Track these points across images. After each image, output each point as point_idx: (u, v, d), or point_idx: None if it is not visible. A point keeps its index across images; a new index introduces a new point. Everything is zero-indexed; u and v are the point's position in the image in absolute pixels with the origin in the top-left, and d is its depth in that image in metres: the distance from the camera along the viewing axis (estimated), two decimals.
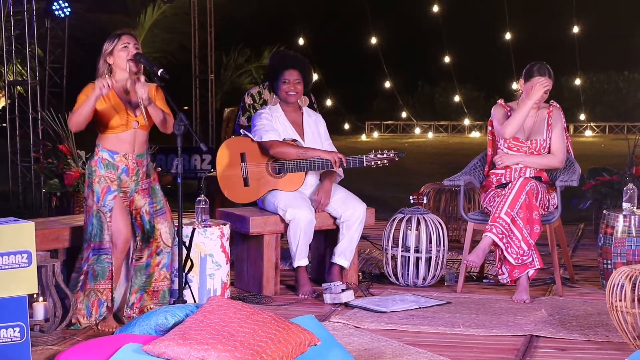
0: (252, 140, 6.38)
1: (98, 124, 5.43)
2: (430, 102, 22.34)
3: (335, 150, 6.46)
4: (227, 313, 4.48)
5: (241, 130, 6.68)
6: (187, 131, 5.29)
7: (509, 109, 6.38)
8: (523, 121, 6.24)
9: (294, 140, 6.39)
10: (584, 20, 17.96)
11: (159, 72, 5.35)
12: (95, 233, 5.42)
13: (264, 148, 6.34)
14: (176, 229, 5.49)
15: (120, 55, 5.40)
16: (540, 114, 6.33)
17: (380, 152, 6.37)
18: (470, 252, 6.12)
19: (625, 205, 6.30)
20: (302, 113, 6.55)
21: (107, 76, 5.35)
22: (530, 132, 6.32)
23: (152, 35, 12.77)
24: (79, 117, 5.32)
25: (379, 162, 6.35)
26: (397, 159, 6.39)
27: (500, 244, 6.01)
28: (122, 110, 5.40)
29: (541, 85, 6.19)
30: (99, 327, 5.42)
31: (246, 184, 6.37)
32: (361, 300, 5.99)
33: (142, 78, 5.37)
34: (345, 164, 6.30)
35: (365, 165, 6.35)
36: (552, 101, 6.39)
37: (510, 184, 6.15)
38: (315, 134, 6.52)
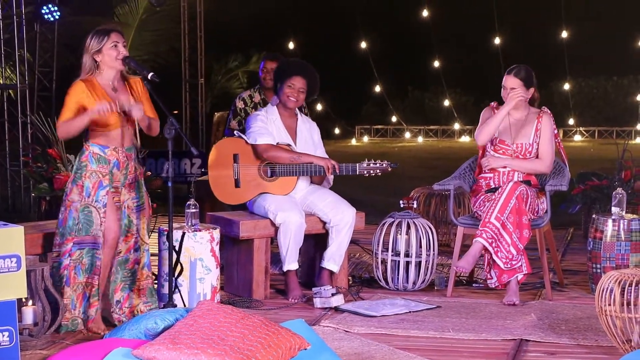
0: (246, 142, 6.37)
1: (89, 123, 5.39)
2: (420, 106, 22.30)
3: (328, 158, 6.44)
4: (217, 317, 4.46)
5: (235, 132, 6.67)
6: (178, 135, 5.28)
7: (496, 112, 6.35)
8: (495, 129, 6.26)
9: (288, 145, 6.38)
10: (573, 25, 17.97)
11: (149, 75, 5.35)
12: (81, 227, 5.39)
13: (257, 151, 6.33)
14: (166, 233, 5.48)
15: (110, 54, 5.38)
16: (529, 118, 6.32)
17: (373, 161, 6.37)
18: (461, 258, 6.10)
19: (614, 209, 6.28)
20: (297, 119, 6.53)
21: (105, 104, 5.30)
22: (517, 136, 6.31)
23: (140, 38, 12.70)
24: (70, 128, 5.35)
25: (371, 172, 6.36)
26: (389, 169, 6.40)
27: (490, 248, 6.00)
28: (114, 110, 5.37)
29: (515, 94, 6.17)
30: (88, 326, 5.40)
31: (237, 185, 6.36)
32: (351, 305, 5.97)
33: (132, 101, 5.38)
34: (338, 171, 6.29)
35: (357, 173, 6.35)
36: (543, 107, 6.38)
37: (500, 189, 6.13)
38: (308, 140, 6.51)
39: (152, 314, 4.81)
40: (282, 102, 6.42)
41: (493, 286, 6.15)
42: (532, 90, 6.28)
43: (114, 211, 5.44)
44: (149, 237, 5.70)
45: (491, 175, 6.35)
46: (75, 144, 5.70)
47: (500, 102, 6.39)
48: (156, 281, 5.87)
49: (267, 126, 6.35)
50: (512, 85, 6.21)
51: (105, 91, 5.40)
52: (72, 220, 5.42)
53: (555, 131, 6.39)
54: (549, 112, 6.36)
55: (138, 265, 5.58)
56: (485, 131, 6.27)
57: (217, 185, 6.37)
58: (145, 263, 5.60)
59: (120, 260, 5.55)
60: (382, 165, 6.36)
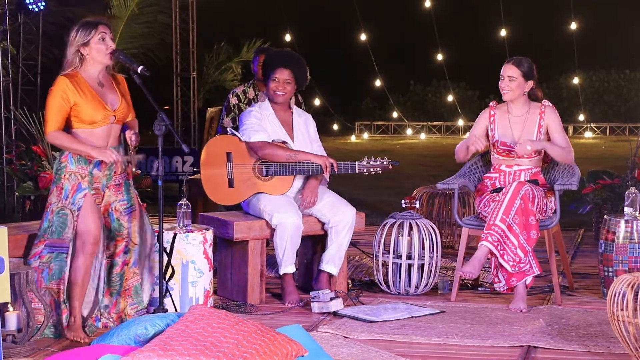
0: (240, 139, 6.28)
1: (72, 119, 5.29)
2: (423, 101, 22.29)
3: (324, 153, 6.40)
4: (210, 322, 4.42)
5: (228, 129, 6.66)
6: (168, 132, 5.22)
7: (493, 114, 6.28)
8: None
9: (284, 142, 6.30)
10: (582, 16, 17.85)
11: (139, 69, 5.29)
12: (54, 230, 5.34)
13: (252, 149, 6.25)
14: (156, 233, 5.43)
15: (99, 48, 5.29)
16: (531, 115, 6.24)
17: (373, 159, 6.31)
18: (466, 263, 6.05)
19: (627, 210, 6.24)
20: (292, 112, 6.46)
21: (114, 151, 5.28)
22: (519, 136, 6.23)
23: (130, 30, 12.68)
24: (61, 144, 5.29)
25: (371, 170, 6.29)
26: (390, 167, 6.34)
27: (495, 251, 5.94)
28: (100, 105, 5.29)
29: (524, 149, 6.11)
30: (67, 336, 5.31)
31: (231, 185, 6.28)
32: (350, 309, 5.91)
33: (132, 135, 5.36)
34: (336, 170, 6.22)
35: (357, 171, 6.28)
36: (544, 100, 6.31)
37: (504, 189, 6.07)
38: (305, 134, 6.43)
39: (141, 319, 4.76)
40: (270, 98, 6.36)
41: (501, 290, 6.11)
42: (531, 83, 6.21)
43: (95, 214, 5.33)
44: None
45: (497, 175, 6.29)
46: None
47: (500, 99, 6.32)
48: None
49: (261, 122, 6.29)
50: (510, 74, 6.16)
51: (91, 86, 5.31)
52: (47, 222, 5.36)
53: (559, 121, 6.34)
54: (551, 104, 6.31)
55: (127, 266, 5.52)
56: (463, 154, 6.26)
57: (210, 186, 6.29)
58: (134, 262, 5.55)
59: (108, 264, 5.48)
60: (383, 162, 6.29)
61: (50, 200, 5.35)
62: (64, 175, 5.30)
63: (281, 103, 6.34)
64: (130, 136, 5.32)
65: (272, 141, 6.25)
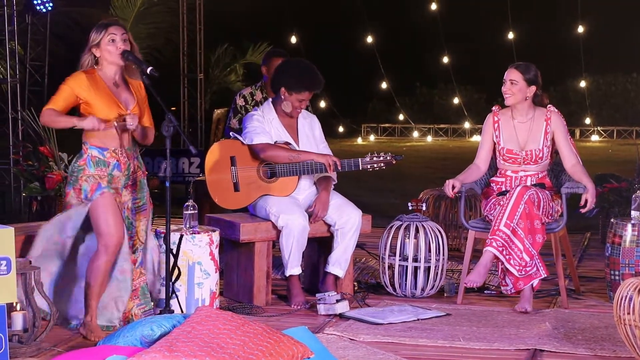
0: (243, 143, 6.26)
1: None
2: (429, 104, 22.23)
3: (331, 153, 6.36)
4: (216, 324, 4.42)
5: (231, 133, 6.62)
6: (176, 133, 5.21)
7: (497, 120, 6.26)
8: None
9: (287, 143, 6.26)
10: (589, 20, 17.79)
11: (148, 70, 5.29)
12: None
13: (254, 151, 6.22)
14: (163, 235, 5.43)
15: (109, 49, 5.31)
16: (536, 121, 6.21)
17: (376, 154, 6.28)
18: (471, 271, 6.02)
19: (633, 213, 6.21)
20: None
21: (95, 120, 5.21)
22: (525, 142, 6.21)
23: (136, 31, 12.67)
24: (54, 122, 5.38)
25: (375, 165, 6.26)
26: (394, 161, 6.31)
27: (501, 257, 5.93)
28: (114, 103, 5.32)
29: None
30: (88, 336, 5.31)
31: (236, 189, 6.26)
32: (356, 312, 5.90)
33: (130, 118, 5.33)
34: (339, 167, 6.19)
35: (360, 168, 6.25)
36: (549, 106, 6.28)
37: (508, 193, 6.05)
38: (310, 137, 6.42)
39: (148, 320, 4.77)
40: (288, 112, 6.30)
41: (509, 293, 6.10)
42: (533, 88, 6.18)
43: (116, 214, 5.32)
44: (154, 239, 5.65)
45: (503, 179, 6.28)
46: (69, 142, 5.63)
47: (502, 103, 6.29)
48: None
49: (263, 125, 6.27)
50: (512, 78, 6.14)
51: (107, 85, 5.34)
52: None
53: (566, 129, 6.30)
54: (556, 110, 6.28)
55: (133, 265, 5.51)
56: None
57: (216, 190, 6.27)
58: (140, 262, 5.55)
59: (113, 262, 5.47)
60: (386, 157, 6.26)
61: (69, 202, 5.35)
62: (81, 177, 5.31)
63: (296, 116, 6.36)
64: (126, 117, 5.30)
65: (275, 142, 6.24)
